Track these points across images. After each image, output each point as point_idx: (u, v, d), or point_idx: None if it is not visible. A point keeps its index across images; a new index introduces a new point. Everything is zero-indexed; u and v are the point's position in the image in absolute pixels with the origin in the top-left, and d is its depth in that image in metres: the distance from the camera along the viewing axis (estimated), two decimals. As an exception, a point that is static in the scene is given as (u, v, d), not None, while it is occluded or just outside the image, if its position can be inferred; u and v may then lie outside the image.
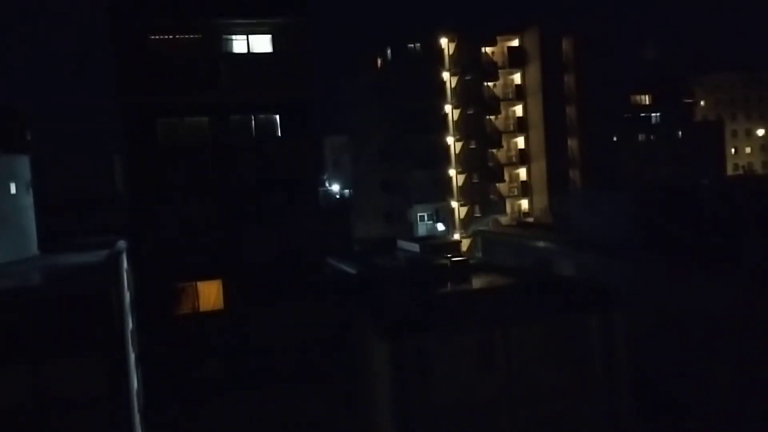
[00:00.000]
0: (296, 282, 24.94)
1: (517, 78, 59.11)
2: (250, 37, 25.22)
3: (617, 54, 61.17)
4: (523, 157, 59.10)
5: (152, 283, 23.89)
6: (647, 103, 69.58)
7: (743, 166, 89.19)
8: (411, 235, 50.17)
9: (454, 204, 57.02)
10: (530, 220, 56.05)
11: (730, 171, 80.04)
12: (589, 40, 58.33)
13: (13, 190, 26.55)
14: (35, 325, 21.33)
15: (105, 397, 22.05)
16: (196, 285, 24.48)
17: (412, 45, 55.95)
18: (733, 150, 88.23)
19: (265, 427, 24.06)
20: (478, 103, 57.52)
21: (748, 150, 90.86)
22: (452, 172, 57.06)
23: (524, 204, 59.49)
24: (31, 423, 21.24)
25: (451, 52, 56.77)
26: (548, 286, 26.73)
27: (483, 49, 57.71)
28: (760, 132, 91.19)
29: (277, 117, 25.46)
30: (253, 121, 25.40)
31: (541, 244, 40.00)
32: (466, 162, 57.23)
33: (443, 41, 56.45)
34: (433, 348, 22.93)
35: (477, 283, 29.18)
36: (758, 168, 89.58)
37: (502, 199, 58.41)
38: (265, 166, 25.19)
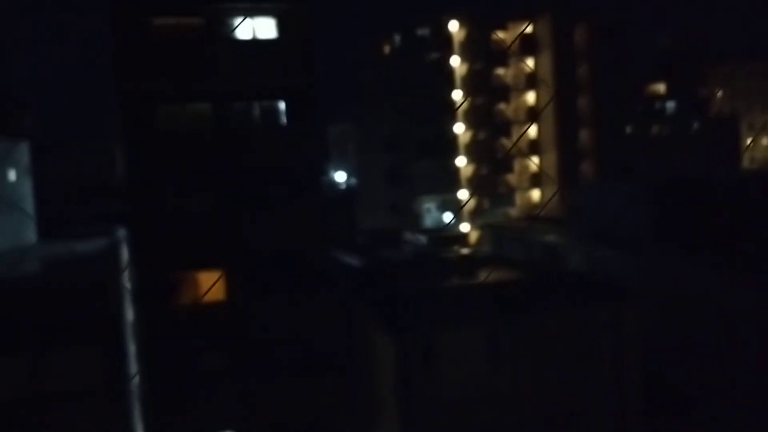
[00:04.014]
0: (299, 273, 24.46)
1: (528, 66, 58.14)
2: (254, 21, 24.65)
3: (632, 43, 59.95)
4: (534, 148, 58.18)
5: (152, 273, 23.48)
6: (662, 93, 68.22)
7: (760, 159, 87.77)
8: (417, 227, 49.60)
9: (462, 195, 56.26)
10: (540, 212, 55.30)
11: (746, 164, 78.76)
12: (602, 28, 57.25)
13: (12, 176, 26.17)
14: (32, 316, 20.94)
15: (103, 389, 21.73)
16: (197, 275, 24.07)
17: (421, 31, 55.01)
18: (749, 142, 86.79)
19: (266, 420, 23.69)
20: (488, 91, 56.57)
21: (765, 142, 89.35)
22: (460, 162, 56.22)
23: (535, 196, 58.67)
24: (29, 415, 20.91)
25: (461, 38, 55.80)
26: (557, 280, 26.24)
27: (494, 36, 56.77)
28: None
29: (281, 104, 24.91)
30: (256, 108, 24.86)
31: (551, 237, 39.35)
32: (475, 152, 56.39)
33: (453, 27, 55.44)
34: (438, 342, 22.51)
35: (484, 276, 28.64)
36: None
37: (511, 191, 57.58)
38: (269, 154, 24.64)
